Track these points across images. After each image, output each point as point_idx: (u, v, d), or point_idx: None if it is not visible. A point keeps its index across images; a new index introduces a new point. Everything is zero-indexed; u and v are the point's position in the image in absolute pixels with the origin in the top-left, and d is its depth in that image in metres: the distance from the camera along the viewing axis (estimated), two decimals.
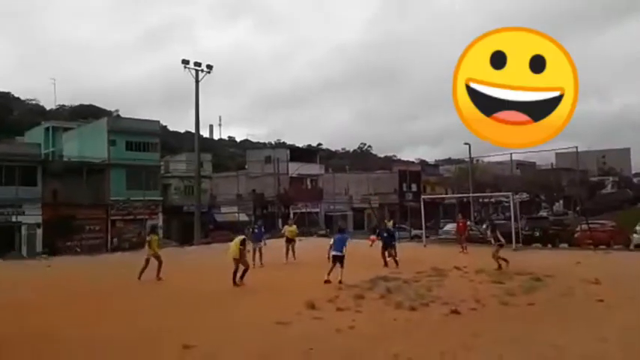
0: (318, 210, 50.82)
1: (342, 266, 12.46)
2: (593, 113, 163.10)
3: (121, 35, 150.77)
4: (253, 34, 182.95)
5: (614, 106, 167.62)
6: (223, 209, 46.87)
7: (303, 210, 45.57)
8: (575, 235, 24.80)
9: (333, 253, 12.71)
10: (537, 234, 25.46)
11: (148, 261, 14.02)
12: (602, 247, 21.51)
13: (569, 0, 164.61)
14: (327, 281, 12.16)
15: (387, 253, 16.00)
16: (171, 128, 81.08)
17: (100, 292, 12.41)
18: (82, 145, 40.25)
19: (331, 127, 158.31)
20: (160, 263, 14.09)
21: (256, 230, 17.39)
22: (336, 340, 7.20)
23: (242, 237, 13.21)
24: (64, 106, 79.49)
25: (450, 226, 27.83)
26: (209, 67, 35.74)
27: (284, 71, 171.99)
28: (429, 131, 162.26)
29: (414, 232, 33.92)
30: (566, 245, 24.05)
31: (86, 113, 65.88)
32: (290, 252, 17.32)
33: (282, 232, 18.73)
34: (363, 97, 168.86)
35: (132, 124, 40.72)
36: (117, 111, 71.87)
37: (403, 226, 37.58)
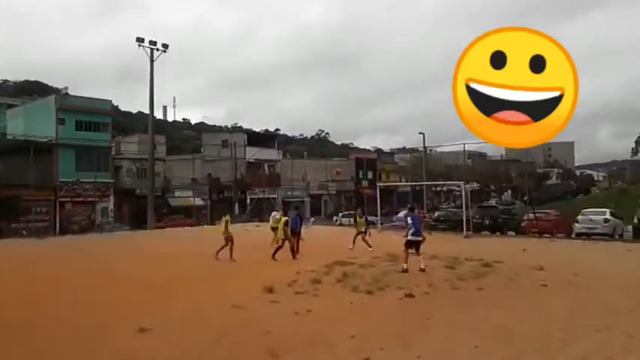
0: (275, 196, 50.72)
1: (417, 252, 11.79)
2: None
3: (70, 6, 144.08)
4: (212, 12, 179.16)
5: None
6: (177, 193, 46.02)
7: (260, 195, 45.38)
8: (522, 224, 25.93)
9: (411, 238, 11.87)
10: (487, 222, 26.44)
11: (227, 240, 14.65)
12: (546, 235, 22.59)
13: None
14: (405, 270, 11.42)
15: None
16: (122, 108, 78.78)
17: (51, 276, 12.03)
18: (28, 123, 38.42)
19: (289, 112, 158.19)
20: (232, 244, 14.62)
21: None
22: (294, 323, 7.30)
23: (286, 218, 14.74)
24: (7, 81, 75.64)
25: (404, 213, 28.48)
26: (165, 46, 34.93)
27: (242, 53, 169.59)
28: (386, 119, 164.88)
29: (369, 218, 34.44)
30: (513, 233, 25.09)
31: (32, 90, 62.95)
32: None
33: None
34: (322, 83, 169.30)
35: (82, 103, 39.23)
36: (66, 88, 69.08)
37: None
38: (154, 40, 34.51)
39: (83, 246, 20.19)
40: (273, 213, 17.86)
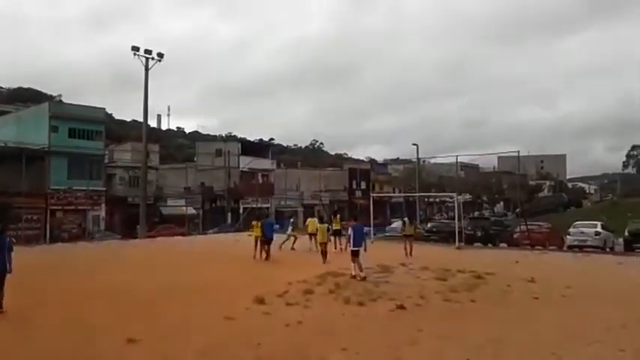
0: (268, 205, 50.60)
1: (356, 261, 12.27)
2: (538, 119, 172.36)
3: (65, 13, 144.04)
4: (210, 24, 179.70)
5: (557, 114, 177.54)
6: (170, 202, 45.80)
7: (254, 205, 45.21)
8: (514, 236, 26.00)
9: (353, 248, 12.37)
10: (479, 234, 26.47)
11: (256, 242, 16.63)
12: (538, 247, 22.64)
13: (532, 6, 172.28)
14: (355, 277, 11.92)
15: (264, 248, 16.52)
16: (116, 116, 78.54)
17: (38, 285, 11.88)
18: (21, 131, 38.17)
19: (284, 122, 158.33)
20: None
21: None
22: (285, 335, 7.24)
23: (327, 225, 17.27)
24: (0, 88, 75.20)
25: (397, 224, 28.44)
26: (160, 55, 34.91)
27: (239, 63, 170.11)
28: (380, 131, 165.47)
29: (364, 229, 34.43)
30: (505, 245, 25.13)
31: (25, 97, 62.72)
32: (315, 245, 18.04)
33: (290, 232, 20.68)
34: (317, 94, 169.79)
35: (75, 111, 39.06)
36: (59, 96, 68.64)
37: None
38: (149, 49, 34.56)
39: (71, 255, 19.98)
40: (309, 219, 20.55)
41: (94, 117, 39.59)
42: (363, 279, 11.78)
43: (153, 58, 34.62)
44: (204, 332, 7.44)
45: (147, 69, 34.46)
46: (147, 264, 16.44)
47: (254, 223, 17.60)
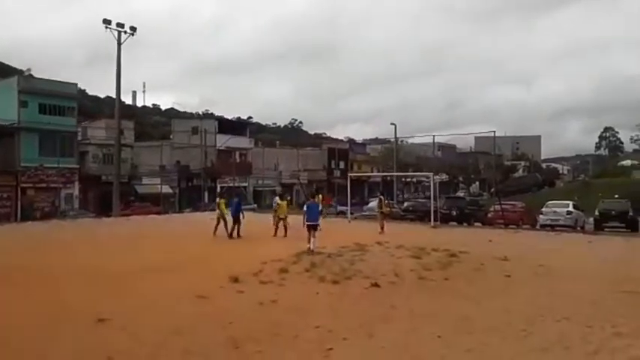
0: (246, 184, 50.28)
1: (313, 234, 13.09)
2: (514, 101, 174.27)
3: None
4: None
5: (533, 96, 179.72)
6: (145, 180, 45.09)
7: (231, 184, 44.87)
8: (489, 215, 26.38)
9: (308, 223, 13.30)
10: (454, 213, 26.78)
11: (218, 220, 17.17)
12: (512, 226, 23.02)
13: None
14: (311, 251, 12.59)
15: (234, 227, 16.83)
16: (90, 92, 76.56)
17: (7, 263, 11.58)
18: None
19: (263, 100, 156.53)
20: (226, 223, 16.99)
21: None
22: (259, 314, 7.19)
23: (285, 202, 18.05)
24: None
25: (373, 204, 28.59)
26: (133, 29, 33.90)
27: (217, 39, 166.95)
28: (360, 110, 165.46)
29: (340, 208, 34.61)
30: (480, 224, 25.48)
31: None
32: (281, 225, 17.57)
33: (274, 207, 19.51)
34: (297, 73, 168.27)
35: (46, 86, 37.84)
36: (29, 70, 66.09)
37: (330, 202, 38.21)
38: (121, 22, 33.49)
39: (42, 233, 19.55)
40: (275, 198, 20.20)
41: (65, 92, 38.46)
42: (311, 252, 12.42)
43: (125, 32, 33.63)
44: (176, 311, 7.33)
45: (119, 43, 33.48)
46: (120, 242, 16.18)
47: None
